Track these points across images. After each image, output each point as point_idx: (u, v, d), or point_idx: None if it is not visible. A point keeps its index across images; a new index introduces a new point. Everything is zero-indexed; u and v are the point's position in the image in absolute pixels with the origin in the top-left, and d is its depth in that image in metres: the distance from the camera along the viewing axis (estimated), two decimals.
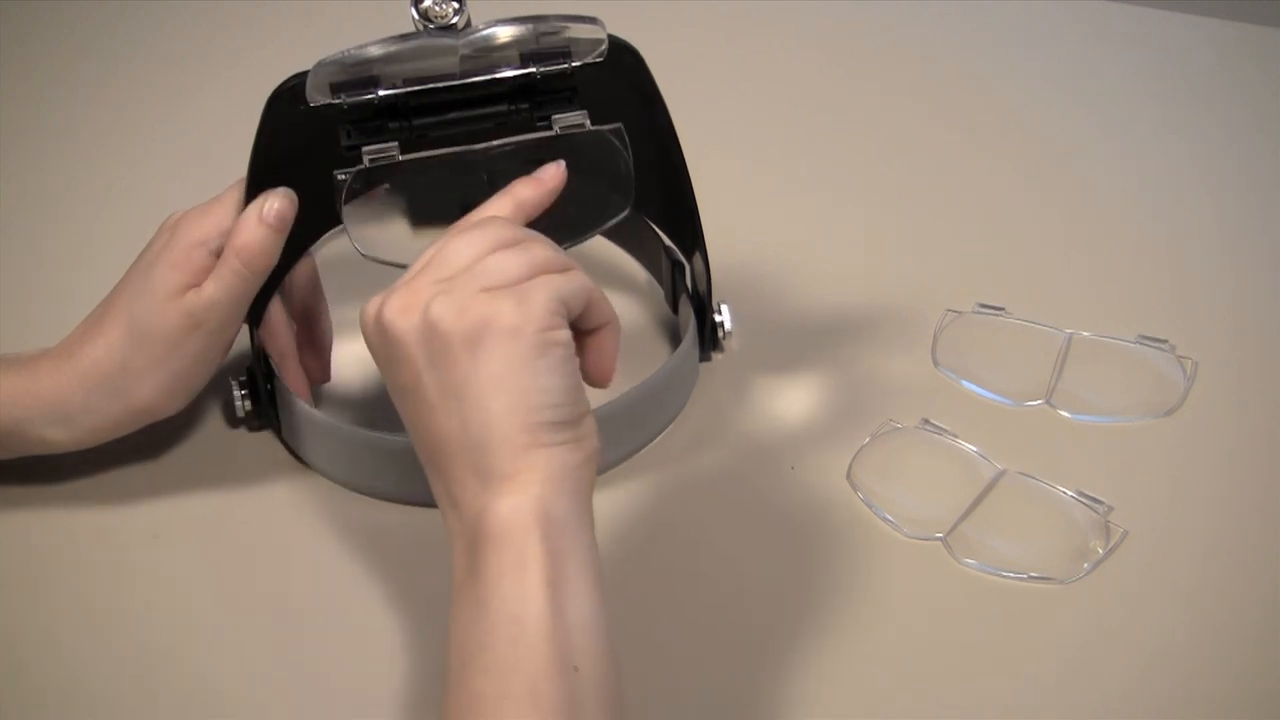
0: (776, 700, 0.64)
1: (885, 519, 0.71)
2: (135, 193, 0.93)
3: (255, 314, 0.72)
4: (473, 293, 0.56)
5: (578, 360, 0.59)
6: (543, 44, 0.67)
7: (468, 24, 0.66)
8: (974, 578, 0.69)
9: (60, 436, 0.68)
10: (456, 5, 0.66)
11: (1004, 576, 0.69)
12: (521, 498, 0.55)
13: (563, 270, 0.59)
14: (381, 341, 0.58)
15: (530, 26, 0.66)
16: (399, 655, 0.65)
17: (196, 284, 0.68)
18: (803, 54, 1.10)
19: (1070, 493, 0.72)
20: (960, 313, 0.83)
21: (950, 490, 0.72)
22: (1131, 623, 0.67)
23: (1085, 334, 0.81)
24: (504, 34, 0.66)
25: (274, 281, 0.73)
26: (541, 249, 0.59)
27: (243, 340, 0.73)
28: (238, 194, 0.69)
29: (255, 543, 0.70)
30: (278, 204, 0.67)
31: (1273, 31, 1.10)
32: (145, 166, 0.97)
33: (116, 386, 0.68)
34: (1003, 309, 0.83)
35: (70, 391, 0.67)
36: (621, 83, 0.70)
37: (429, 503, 0.71)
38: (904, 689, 0.64)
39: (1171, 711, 0.63)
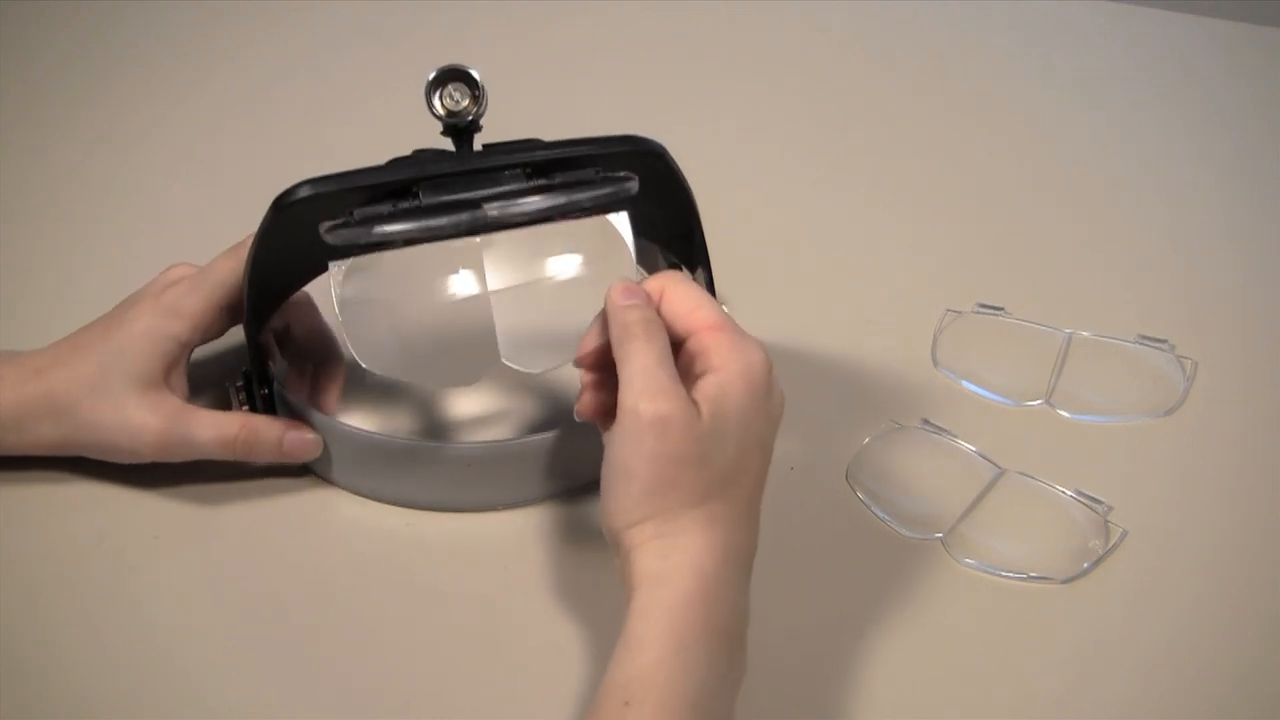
0: (773, 699, 0.64)
1: (884, 519, 0.71)
2: (137, 191, 0.94)
3: (254, 321, 0.72)
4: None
5: None
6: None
7: (482, 115, 0.65)
8: (973, 577, 0.69)
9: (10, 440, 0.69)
10: (474, 101, 0.64)
11: (1003, 576, 0.69)
12: None
13: None
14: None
15: (564, 198, 0.63)
16: (398, 657, 0.65)
17: (164, 372, 0.69)
18: (804, 54, 1.11)
19: (1070, 492, 0.72)
20: (960, 313, 0.83)
21: (950, 490, 0.72)
22: (1131, 622, 0.67)
23: (1085, 334, 0.81)
24: (529, 205, 0.63)
25: (277, 299, 0.72)
26: None
27: (238, 341, 0.73)
28: (212, 288, 0.70)
29: (255, 544, 0.70)
30: (303, 442, 0.70)
31: (1273, 32, 1.10)
32: (144, 166, 0.97)
33: (64, 420, 0.68)
34: (1002, 309, 0.83)
35: (27, 406, 0.68)
36: None
37: (427, 506, 0.71)
38: (902, 688, 0.64)
39: (1171, 711, 0.63)
